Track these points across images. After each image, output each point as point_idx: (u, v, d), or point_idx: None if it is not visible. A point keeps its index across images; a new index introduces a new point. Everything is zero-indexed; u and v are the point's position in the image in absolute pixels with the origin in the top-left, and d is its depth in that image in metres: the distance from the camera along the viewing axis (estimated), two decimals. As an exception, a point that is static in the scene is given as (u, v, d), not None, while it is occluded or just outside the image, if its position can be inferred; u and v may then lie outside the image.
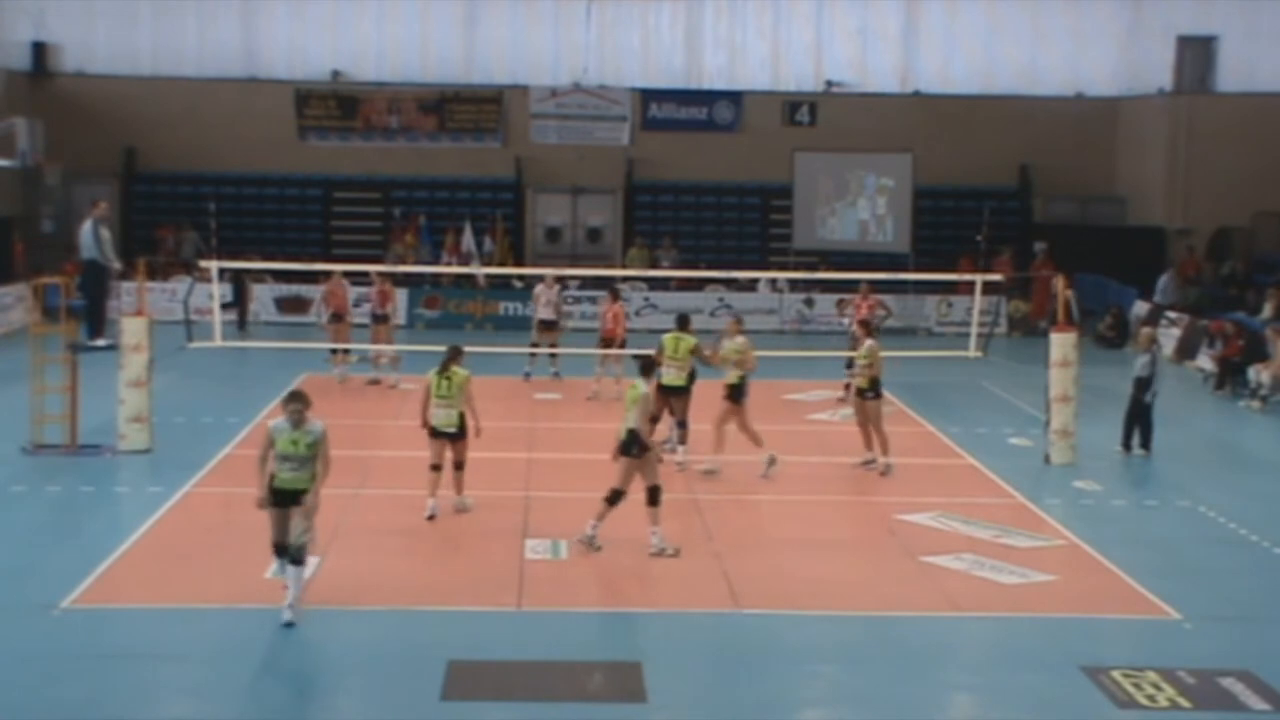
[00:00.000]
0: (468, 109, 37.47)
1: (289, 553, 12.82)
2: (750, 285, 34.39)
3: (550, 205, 37.98)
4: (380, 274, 26.27)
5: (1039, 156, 37.35)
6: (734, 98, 37.77)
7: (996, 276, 25.54)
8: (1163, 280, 32.74)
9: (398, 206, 37.21)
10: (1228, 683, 11.85)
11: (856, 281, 25.93)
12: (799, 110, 37.77)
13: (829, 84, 38.06)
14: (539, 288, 25.90)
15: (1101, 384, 24.28)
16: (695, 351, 19.13)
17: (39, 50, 36.63)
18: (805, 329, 33.74)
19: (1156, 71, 37.03)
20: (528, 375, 25.39)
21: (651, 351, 17.64)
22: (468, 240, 34.99)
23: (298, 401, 12.84)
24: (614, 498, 15.07)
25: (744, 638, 12.84)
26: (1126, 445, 20.73)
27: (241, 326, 31.70)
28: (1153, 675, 11.93)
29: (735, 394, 18.82)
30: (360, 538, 15.52)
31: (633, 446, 14.95)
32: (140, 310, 19.72)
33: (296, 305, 32.85)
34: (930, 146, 36.02)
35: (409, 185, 37.52)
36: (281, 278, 32.88)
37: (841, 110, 37.51)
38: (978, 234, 32.11)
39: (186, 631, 12.65)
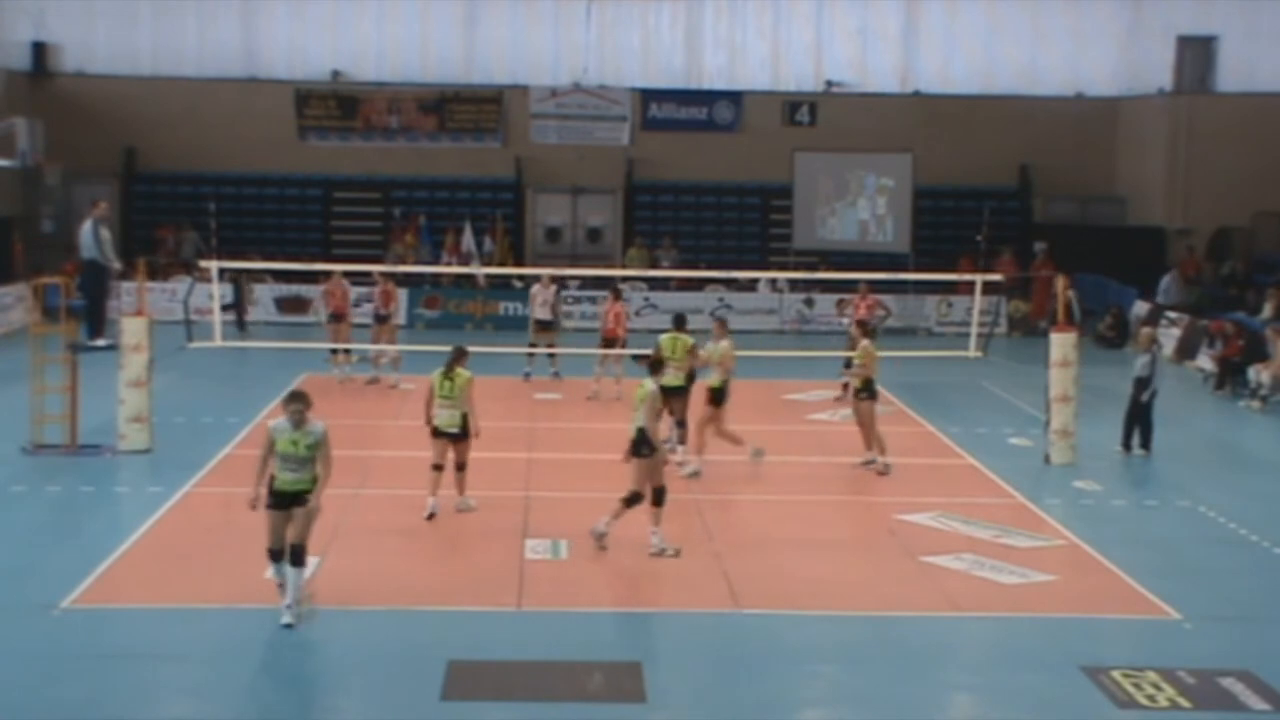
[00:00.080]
0: (468, 109, 37.46)
1: (290, 554, 12.77)
2: (750, 285, 34.38)
3: (550, 205, 37.96)
4: (383, 274, 26.29)
5: (1039, 156, 37.33)
6: (734, 98, 37.75)
7: (996, 276, 25.52)
8: (1165, 281, 32.73)
9: (398, 206, 37.18)
10: (1228, 683, 11.85)
11: (856, 281, 25.94)
12: (799, 110, 37.76)
13: (829, 84, 38.04)
14: (535, 288, 25.88)
15: (1101, 384, 24.28)
16: (692, 351, 19.17)
17: (39, 50, 36.61)
18: (805, 329, 33.74)
19: (1156, 71, 37.01)
20: (528, 375, 25.39)
21: (651, 352, 17.64)
22: (468, 240, 34.97)
23: (299, 402, 12.78)
24: (632, 499, 15.06)
25: (744, 638, 12.84)
26: (1126, 445, 20.74)
27: (241, 327, 31.70)
28: (1153, 675, 11.93)
29: (717, 397, 18.92)
30: (360, 538, 15.52)
31: (644, 447, 14.97)
32: (140, 310, 19.71)
33: (296, 305, 32.87)
34: (930, 146, 36.01)
35: (409, 185, 37.50)
36: (281, 278, 32.88)
37: (841, 110, 37.49)
38: (978, 234, 32.06)
39: (186, 631, 12.65)
